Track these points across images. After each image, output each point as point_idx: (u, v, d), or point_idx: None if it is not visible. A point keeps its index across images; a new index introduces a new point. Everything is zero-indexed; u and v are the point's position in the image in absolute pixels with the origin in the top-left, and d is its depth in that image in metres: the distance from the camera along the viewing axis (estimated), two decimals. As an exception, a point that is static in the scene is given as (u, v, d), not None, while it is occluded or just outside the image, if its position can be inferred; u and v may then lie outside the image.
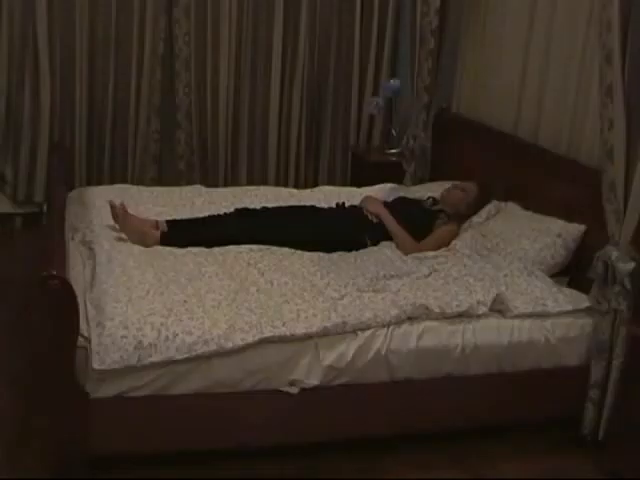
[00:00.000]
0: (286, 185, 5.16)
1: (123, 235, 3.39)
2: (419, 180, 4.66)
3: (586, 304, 3.11)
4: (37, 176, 4.85)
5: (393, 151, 5.08)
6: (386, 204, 3.89)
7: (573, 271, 3.46)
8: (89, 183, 4.82)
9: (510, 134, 4.17)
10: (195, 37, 4.89)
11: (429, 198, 4.02)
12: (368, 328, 2.86)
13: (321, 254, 3.40)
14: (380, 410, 2.94)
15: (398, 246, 3.58)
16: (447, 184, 4.11)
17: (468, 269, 3.32)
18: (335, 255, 3.43)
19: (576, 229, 3.47)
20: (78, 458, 2.67)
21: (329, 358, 2.79)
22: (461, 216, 3.89)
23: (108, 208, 3.48)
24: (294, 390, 2.78)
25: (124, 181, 4.83)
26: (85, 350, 2.59)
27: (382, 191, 4.27)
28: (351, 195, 4.16)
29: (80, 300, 2.63)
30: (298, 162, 5.33)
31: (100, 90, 4.86)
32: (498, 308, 3.07)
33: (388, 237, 3.65)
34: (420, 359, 2.91)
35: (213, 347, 2.66)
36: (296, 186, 5.10)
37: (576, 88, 3.70)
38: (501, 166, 4.07)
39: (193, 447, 2.80)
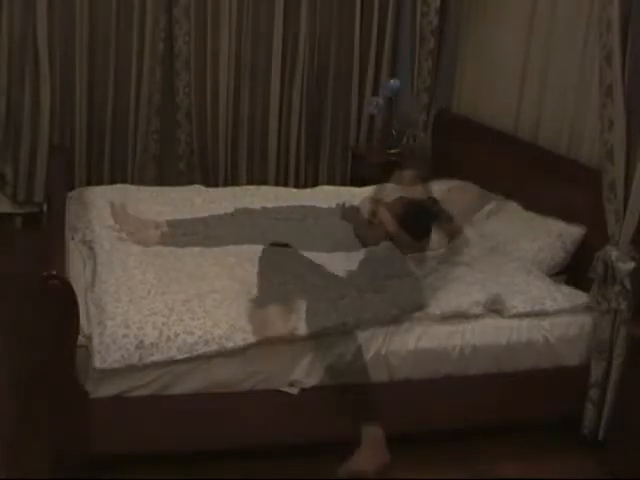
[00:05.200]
0: (286, 185, 5.15)
1: (123, 235, 3.39)
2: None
3: (584, 300, 3.11)
4: (37, 176, 4.84)
5: (393, 151, 5.08)
6: (386, 204, 3.88)
7: (571, 270, 3.46)
8: (89, 183, 4.81)
9: (510, 134, 4.17)
10: (195, 37, 4.88)
11: (429, 198, 4.02)
12: (368, 328, 2.87)
13: (321, 254, 3.40)
14: (380, 410, 2.94)
15: (398, 246, 3.58)
16: (447, 184, 4.11)
17: (468, 269, 3.32)
18: (335, 255, 3.42)
19: (576, 231, 3.46)
20: (78, 458, 2.67)
21: (329, 358, 2.79)
22: (461, 216, 3.88)
23: (108, 208, 3.48)
24: (294, 390, 2.78)
25: (124, 181, 4.82)
26: (86, 349, 2.60)
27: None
28: (351, 195, 4.16)
29: (80, 299, 2.63)
30: (298, 162, 5.32)
31: (100, 90, 4.86)
32: (496, 308, 3.07)
33: (388, 238, 3.65)
34: (419, 359, 2.91)
35: (214, 347, 2.66)
36: (296, 186, 5.09)
37: (576, 88, 3.70)
38: (501, 166, 4.07)
39: (193, 447, 2.80)
